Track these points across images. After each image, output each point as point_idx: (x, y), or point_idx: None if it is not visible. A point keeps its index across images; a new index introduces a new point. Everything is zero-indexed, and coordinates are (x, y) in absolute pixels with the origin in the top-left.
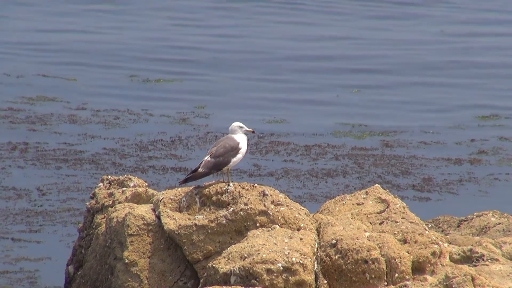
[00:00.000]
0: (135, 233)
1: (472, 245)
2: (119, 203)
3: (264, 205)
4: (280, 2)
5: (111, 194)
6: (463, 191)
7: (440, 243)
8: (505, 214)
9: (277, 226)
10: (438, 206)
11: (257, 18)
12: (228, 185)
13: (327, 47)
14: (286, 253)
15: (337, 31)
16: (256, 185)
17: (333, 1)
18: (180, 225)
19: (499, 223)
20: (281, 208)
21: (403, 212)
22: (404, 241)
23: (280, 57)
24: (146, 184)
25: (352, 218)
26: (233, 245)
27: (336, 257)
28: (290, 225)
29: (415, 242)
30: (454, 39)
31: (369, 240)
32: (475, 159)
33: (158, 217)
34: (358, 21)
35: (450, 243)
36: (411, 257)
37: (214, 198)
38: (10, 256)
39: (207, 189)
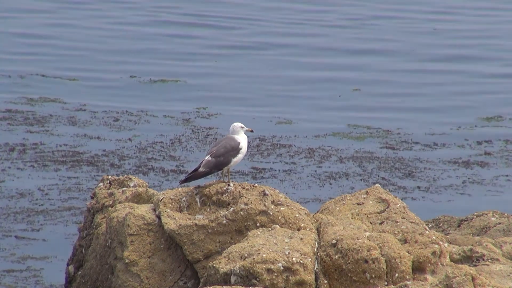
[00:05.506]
0: (135, 233)
1: (472, 245)
2: (119, 203)
3: (265, 205)
4: None
5: (111, 194)
6: (471, 192)
7: (441, 243)
8: (505, 214)
9: (278, 226)
10: (444, 208)
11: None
12: (229, 185)
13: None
14: (287, 253)
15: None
16: (256, 185)
17: None
18: (180, 225)
19: (499, 223)
20: (282, 208)
21: (403, 212)
22: (405, 241)
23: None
24: (146, 184)
25: (352, 218)
26: (233, 245)
27: (337, 256)
28: (290, 225)
29: (416, 242)
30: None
31: (369, 240)
32: (482, 162)
33: (159, 217)
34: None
35: (450, 243)
36: (412, 257)
37: (214, 198)
38: (16, 255)
39: (207, 189)
